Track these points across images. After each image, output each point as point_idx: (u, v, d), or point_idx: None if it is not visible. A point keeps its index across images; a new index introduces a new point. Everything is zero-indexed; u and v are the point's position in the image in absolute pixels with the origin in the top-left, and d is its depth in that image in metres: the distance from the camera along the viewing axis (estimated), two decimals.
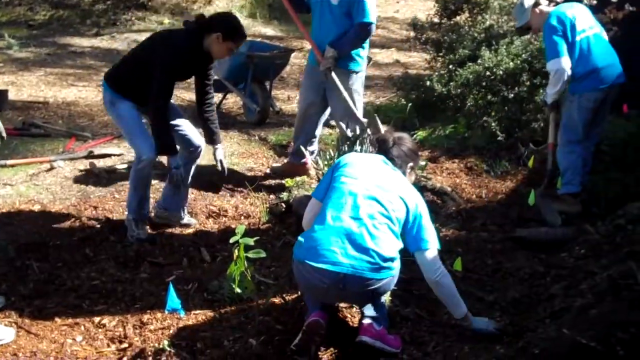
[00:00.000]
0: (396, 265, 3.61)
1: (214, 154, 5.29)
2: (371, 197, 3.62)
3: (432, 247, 3.65)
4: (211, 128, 5.24)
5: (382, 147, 3.96)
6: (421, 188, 5.94)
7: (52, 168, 6.22)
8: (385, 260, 3.52)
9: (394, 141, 3.94)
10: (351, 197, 3.63)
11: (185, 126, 5.16)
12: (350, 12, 5.75)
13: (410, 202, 3.69)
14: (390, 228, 3.60)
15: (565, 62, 5.39)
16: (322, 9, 5.91)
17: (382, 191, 3.65)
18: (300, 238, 3.65)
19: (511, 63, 7.13)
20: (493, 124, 6.96)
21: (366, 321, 3.63)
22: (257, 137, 7.61)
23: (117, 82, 4.93)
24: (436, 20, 9.21)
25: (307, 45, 12.72)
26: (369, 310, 3.71)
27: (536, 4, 5.71)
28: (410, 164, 3.96)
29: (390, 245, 3.57)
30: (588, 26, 5.50)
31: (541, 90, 6.59)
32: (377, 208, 3.60)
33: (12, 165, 6.30)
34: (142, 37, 11.99)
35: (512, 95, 7.00)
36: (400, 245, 3.64)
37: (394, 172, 3.82)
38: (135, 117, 4.94)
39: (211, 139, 5.28)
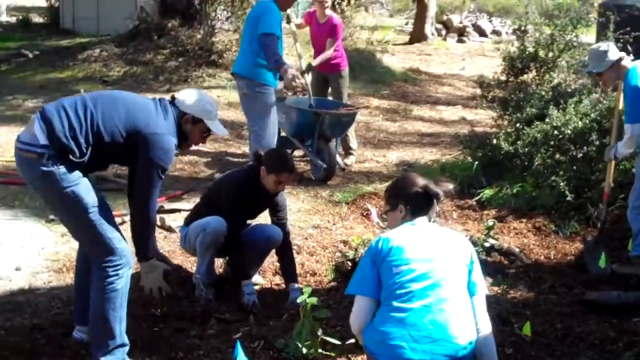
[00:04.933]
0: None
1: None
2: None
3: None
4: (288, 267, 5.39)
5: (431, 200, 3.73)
6: (489, 248, 5.92)
7: (123, 222, 6.36)
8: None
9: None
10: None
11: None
12: None
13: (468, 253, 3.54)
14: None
15: None
16: None
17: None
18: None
19: (580, 122, 7.09)
20: (562, 184, 6.88)
21: None
22: (323, 194, 7.67)
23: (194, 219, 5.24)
24: (503, 78, 9.24)
25: (374, 102, 12.91)
26: None
27: (620, 59, 5.62)
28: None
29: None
30: None
31: None
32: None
33: None
34: (213, 93, 12.36)
35: (581, 154, 6.94)
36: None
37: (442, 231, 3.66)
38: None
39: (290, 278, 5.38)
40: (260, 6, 7.13)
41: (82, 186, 3.81)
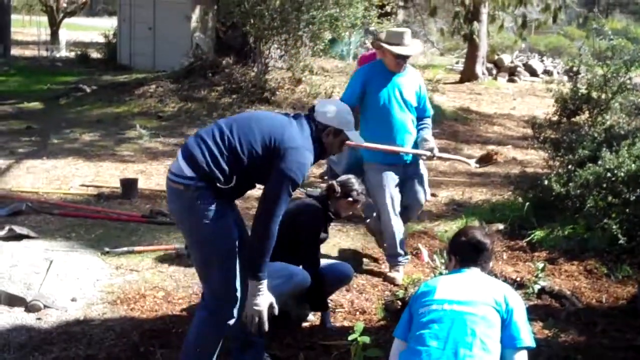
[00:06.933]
0: None
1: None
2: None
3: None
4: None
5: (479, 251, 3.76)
6: (539, 290, 5.87)
7: (177, 256, 6.48)
8: None
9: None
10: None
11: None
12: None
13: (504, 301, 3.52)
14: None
15: None
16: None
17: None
18: None
19: (633, 165, 7.01)
20: (614, 227, 6.79)
21: None
22: None
23: None
24: (555, 119, 9.19)
25: None
26: None
27: None
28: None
29: None
30: None
31: None
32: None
33: (139, 252, 6.61)
34: None
35: (634, 197, 6.85)
36: None
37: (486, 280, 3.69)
38: None
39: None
40: None
41: (223, 227, 3.90)
